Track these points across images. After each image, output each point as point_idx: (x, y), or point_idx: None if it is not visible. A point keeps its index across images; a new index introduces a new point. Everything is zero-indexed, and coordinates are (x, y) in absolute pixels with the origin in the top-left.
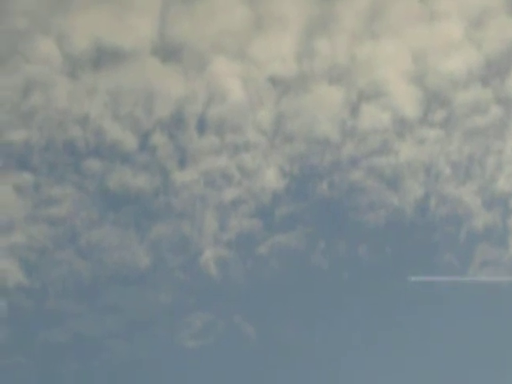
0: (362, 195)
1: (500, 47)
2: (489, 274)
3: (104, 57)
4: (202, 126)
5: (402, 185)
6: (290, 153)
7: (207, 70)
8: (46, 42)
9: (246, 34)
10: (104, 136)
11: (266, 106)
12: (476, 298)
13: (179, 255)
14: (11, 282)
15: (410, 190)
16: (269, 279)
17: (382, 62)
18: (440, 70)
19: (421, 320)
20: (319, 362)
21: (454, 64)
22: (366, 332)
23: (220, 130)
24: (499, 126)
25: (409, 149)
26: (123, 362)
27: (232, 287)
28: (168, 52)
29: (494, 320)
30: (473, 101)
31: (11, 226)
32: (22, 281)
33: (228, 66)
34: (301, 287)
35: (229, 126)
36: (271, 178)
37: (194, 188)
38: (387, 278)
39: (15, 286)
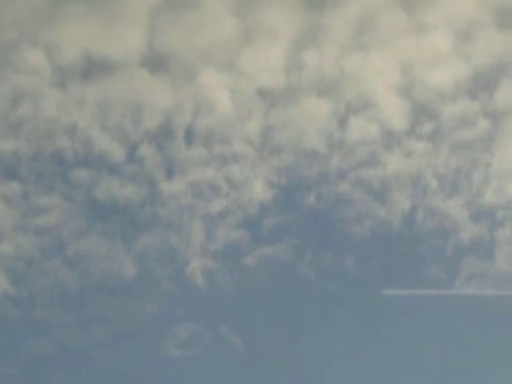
0: (349, 207)
1: (488, 60)
2: (475, 286)
3: (93, 68)
4: (189, 137)
5: (389, 197)
6: (277, 164)
7: (195, 82)
8: (34, 53)
9: (234, 46)
10: (92, 146)
11: (254, 117)
12: (462, 310)
13: (166, 266)
14: None
15: (397, 203)
16: (255, 290)
17: (370, 74)
18: (428, 83)
19: (406, 332)
20: (305, 373)
21: (442, 77)
22: (351, 343)
23: (208, 142)
24: (486, 139)
25: (396, 161)
26: (109, 372)
27: (218, 298)
28: (156, 63)
29: (478, 333)
30: (460, 114)
31: None
32: (8, 290)
33: (216, 77)
34: (287, 298)
35: (217, 137)
36: (258, 190)
37: (182, 199)
38: (373, 290)
39: (2, 296)
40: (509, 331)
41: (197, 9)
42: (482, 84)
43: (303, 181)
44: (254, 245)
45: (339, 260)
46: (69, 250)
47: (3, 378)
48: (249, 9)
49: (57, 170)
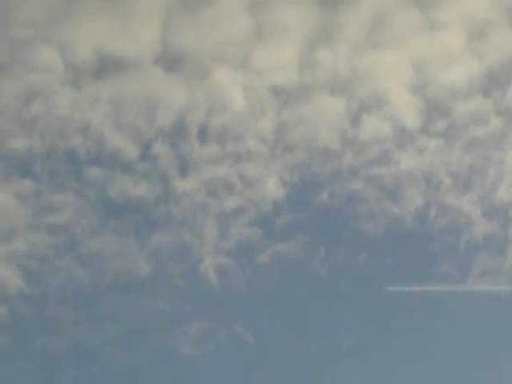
0: (362, 204)
1: (501, 58)
2: (488, 283)
3: (106, 66)
4: (203, 135)
5: (402, 194)
6: (290, 162)
7: (209, 80)
8: (48, 51)
9: (248, 44)
10: (105, 145)
11: (268, 115)
12: (472, 306)
13: (179, 263)
14: (11, 289)
15: (410, 200)
16: (268, 287)
17: (384, 72)
18: (441, 81)
19: (419, 328)
20: (318, 370)
21: (455, 74)
22: (364, 340)
23: (221, 139)
24: (499, 137)
25: (409, 158)
26: (121, 369)
27: (231, 295)
28: (170, 61)
29: (489, 328)
30: (473, 111)
31: (12, 234)
32: (22, 288)
33: (230, 75)
34: (300, 295)
35: (230, 135)
36: (272, 187)
37: (195, 197)
38: (385, 287)
39: (15, 293)
40: None
41: (211, 7)
42: (495, 82)
43: (316, 178)
44: (267, 242)
45: (352, 257)
46: (82, 247)
47: (17, 373)
48: (262, 7)
49: (70, 168)
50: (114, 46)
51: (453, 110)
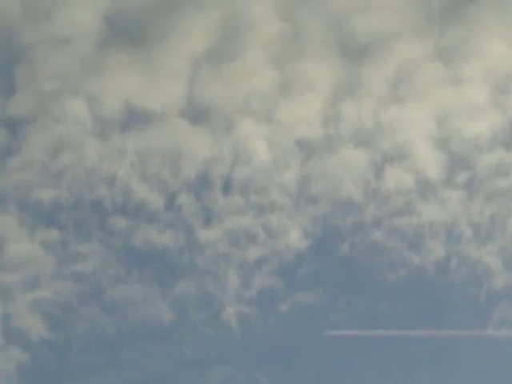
0: (384, 255)
1: None
2: (506, 332)
3: (133, 118)
4: (227, 187)
5: (424, 245)
6: (314, 214)
7: (234, 132)
8: (76, 103)
9: (273, 97)
10: (131, 195)
11: (292, 167)
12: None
13: (202, 311)
14: (35, 336)
15: (431, 250)
16: (289, 336)
17: (407, 125)
18: (464, 134)
19: (441, 375)
20: None
21: (479, 128)
22: None
23: (245, 191)
24: None
25: (431, 210)
26: None
27: (253, 343)
28: (196, 114)
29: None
30: (496, 164)
31: (37, 282)
32: (45, 336)
33: (255, 128)
34: (321, 345)
35: (254, 186)
36: (295, 238)
37: (218, 246)
38: (408, 337)
39: (39, 341)
40: None
41: (237, 61)
42: None
43: (339, 229)
44: (288, 292)
45: (373, 307)
46: (106, 295)
47: None
48: (288, 61)
49: (96, 218)
50: (141, 99)
51: (475, 163)
